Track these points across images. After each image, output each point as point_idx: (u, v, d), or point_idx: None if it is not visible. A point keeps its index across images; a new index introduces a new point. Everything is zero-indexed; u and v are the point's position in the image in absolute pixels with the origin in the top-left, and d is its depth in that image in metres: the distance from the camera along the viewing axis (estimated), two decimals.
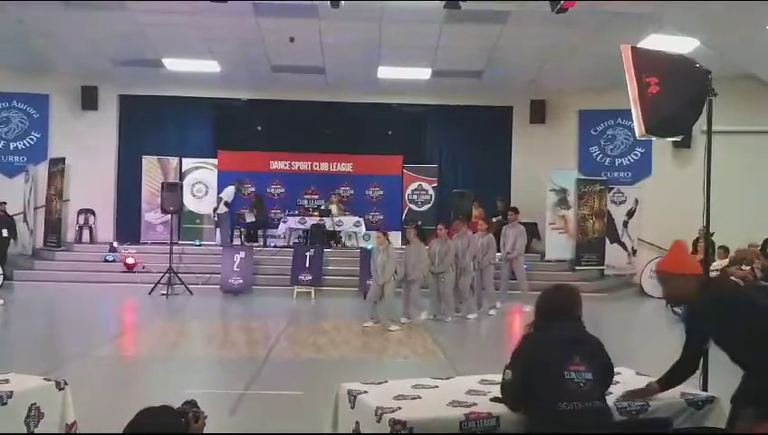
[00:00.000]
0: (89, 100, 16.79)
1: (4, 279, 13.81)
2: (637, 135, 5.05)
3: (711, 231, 5.55)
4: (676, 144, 14.87)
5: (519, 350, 3.57)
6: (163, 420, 2.65)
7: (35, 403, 3.94)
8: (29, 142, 16.85)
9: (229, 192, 15.72)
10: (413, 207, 17.50)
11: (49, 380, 4.19)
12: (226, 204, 15.38)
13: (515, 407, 3.50)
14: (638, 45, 9.33)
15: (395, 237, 16.69)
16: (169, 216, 14.48)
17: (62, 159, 16.01)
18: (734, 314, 3.53)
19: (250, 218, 16.22)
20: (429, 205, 17.49)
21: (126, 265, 14.81)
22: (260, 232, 16.47)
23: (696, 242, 13.35)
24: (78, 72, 16.16)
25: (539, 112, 17.21)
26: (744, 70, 13.90)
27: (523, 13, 11.46)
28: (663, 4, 10.68)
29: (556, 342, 3.49)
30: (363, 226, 16.26)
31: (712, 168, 5.09)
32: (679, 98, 4.93)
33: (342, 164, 17.53)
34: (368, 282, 13.34)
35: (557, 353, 3.43)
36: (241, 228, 16.33)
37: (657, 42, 11.82)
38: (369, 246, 14.19)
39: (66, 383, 4.20)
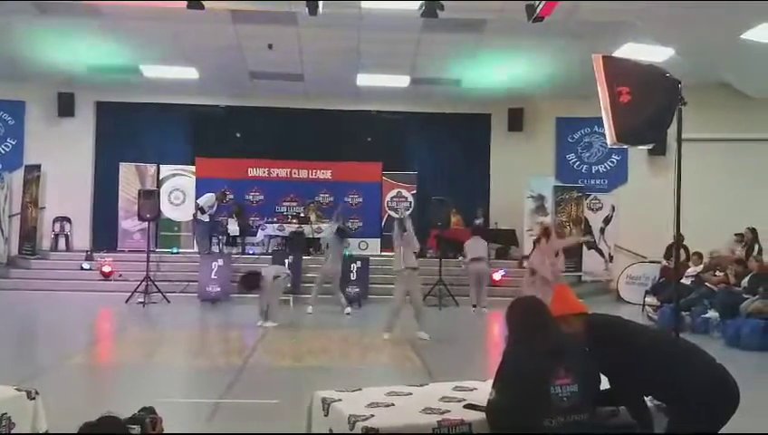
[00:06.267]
0: (65, 106, 16.65)
1: None
2: (608, 143, 5.12)
3: (681, 236, 5.63)
4: (651, 152, 15.05)
5: (502, 368, 3.48)
6: (107, 431, 2.61)
7: (6, 413, 3.90)
8: (4, 149, 16.68)
9: (206, 199, 15.58)
10: (393, 214, 17.47)
11: (20, 389, 4.15)
12: (201, 210, 15.26)
13: (502, 429, 3.36)
14: (615, 54, 9.50)
15: (374, 244, 16.78)
16: (146, 223, 14.35)
17: (38, 166, 15.85)
18: (616, 343, 3.69)
19: (233, 227, 16.13)
20: (409, 212, 17.45)
21: (102, 273, 14.68)
22: (239, 239, 16.40)
23: (669, 248, 13.48)
24: (54, 78, 15.98)
25: (517, 120, 17.34)
26: (717, 78, 14.12)
27: (499, 21, 11.55)
28: (637, 10, 10.80)
29: (539, 356, 3.40)
30: None
31: (686, 175, 5.16)
32: (650, 107, 4.99)
33: (322, 171, 17.49)
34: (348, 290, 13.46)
35: (541, 369, 3.36)
36: (219, 236, 16.23)
37: (632, 51, 11.97)
38: (347, 253, 14.18)
39: (37, 393, 4.16)
